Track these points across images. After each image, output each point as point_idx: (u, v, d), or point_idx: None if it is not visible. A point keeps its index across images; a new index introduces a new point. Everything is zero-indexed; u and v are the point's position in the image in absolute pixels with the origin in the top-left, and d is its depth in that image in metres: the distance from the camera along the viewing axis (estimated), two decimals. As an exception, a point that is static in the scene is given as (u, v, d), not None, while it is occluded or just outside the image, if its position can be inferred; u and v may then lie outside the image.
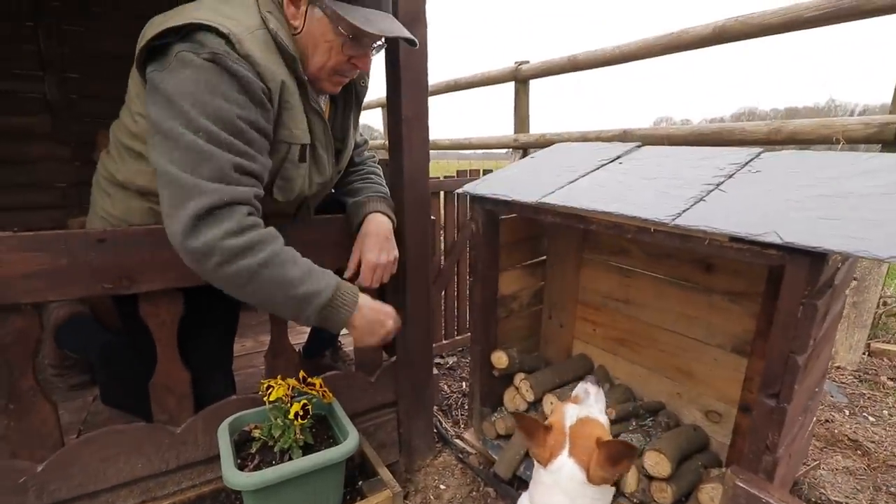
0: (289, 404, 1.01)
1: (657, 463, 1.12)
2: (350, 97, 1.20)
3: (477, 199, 1.31)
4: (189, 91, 0.83)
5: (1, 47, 1.99)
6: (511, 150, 5.11)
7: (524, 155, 4.92)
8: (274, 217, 1.02)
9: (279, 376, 1.13)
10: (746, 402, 1.15)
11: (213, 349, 1.25)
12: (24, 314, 0.93)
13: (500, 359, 1.47)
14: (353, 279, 1.19)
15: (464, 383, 2.20)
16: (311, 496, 0.98)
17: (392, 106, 1.26)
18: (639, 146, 1.38)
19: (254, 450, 1.03)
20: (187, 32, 0.85)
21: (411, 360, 1.45)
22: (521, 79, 4.53)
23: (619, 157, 1.28)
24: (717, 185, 0.94)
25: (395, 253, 1.21)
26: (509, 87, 4.72)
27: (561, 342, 1.72)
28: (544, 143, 4.68)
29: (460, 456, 1.59)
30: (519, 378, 1.49)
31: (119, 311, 1.26)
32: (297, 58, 0.95)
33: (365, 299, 1.04)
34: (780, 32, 2.25)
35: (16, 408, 0.96)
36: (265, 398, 1.03)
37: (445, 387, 2.15)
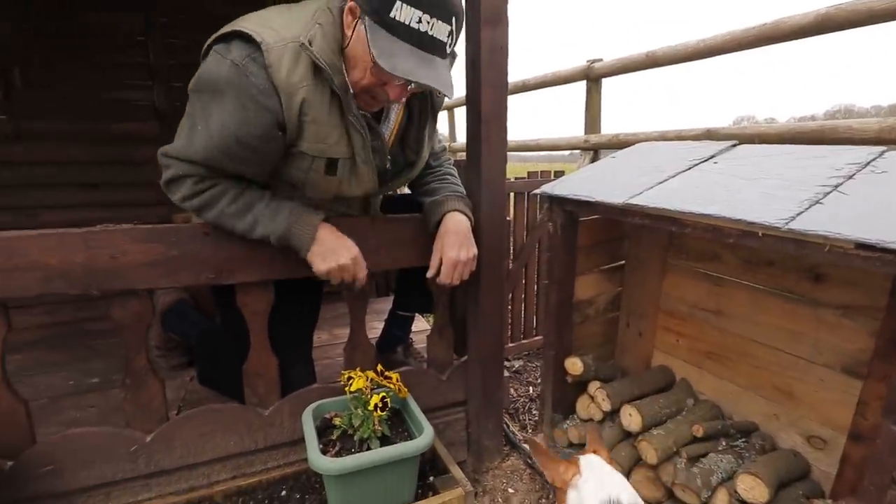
0: (368, 396, 1.04)
1: (752, 488, 1.03)
2: (426, 108, 1.20)
3: (556, 200, 1.28)
4: (204, 85, 0.94)
5: (116, 60, 2.23)
6: (581, 151, 4.95)
7: (595, 157, 4.74)
8: (336, 209, 1.17)
9: (358, 368, 1.18)
10: (859, 428, 1.03)
11: (297, 339, 1.32)
12: (141, 299, 1.04)
13: (574, 365, 1.42)
14: (434, 277, 1.20)
15: (531, 388, 2.17)
16: (388, 486, 1.01)
17: (472, 105, 1.27)
18: (734, 145, 1.28)
19: (334, 437, 1.08)
20: (228, 36, 0.93)
21: (482, 359, 1.44)
22: (593, 77, 4.38)
23: (713, 157, 1.20)
24: (836, 186, 0.85)
25: (475, 250, 1.22)
26: (580, 87, 4.57)
27: (639, 352, 1.63)
28: (617, 143, 4.48)
29: (529, 461, 1.56)
30: (594, 387, 1.44)
31: (216, 300, 1.37)
32: (336, 71, 0.96)
33: (327, 232, 1.06)
34: (889, 20, 2.00)
35: (131, 383, 1.07)
36: (346, 388, 1.07)
37: (512, 390, 2.12)
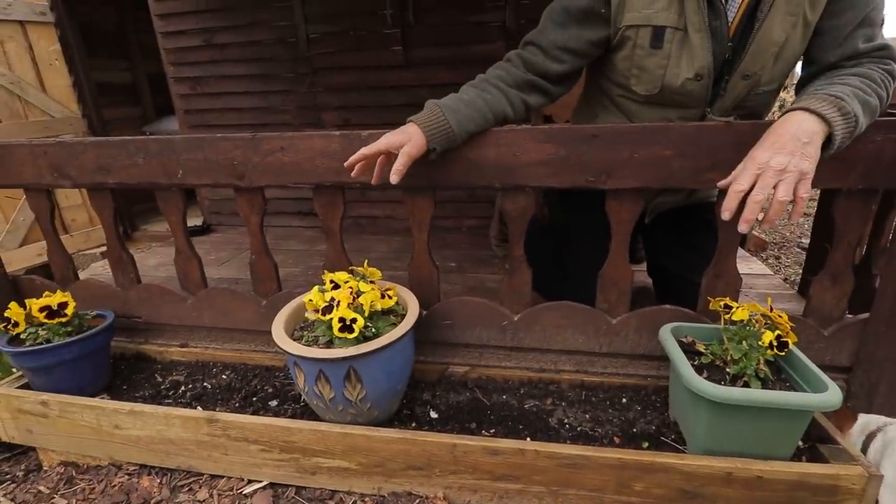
0: (759, 330, 0.91)
1: None
2: None
3: None
4: None
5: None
6: None
7: None
8: (669, 115, 1.11)
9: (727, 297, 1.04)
10: None
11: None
12: (527, 195, 1.14)
13: None
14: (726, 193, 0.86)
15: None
16: (769, 434, 0.89)
17: None
18: None
19: (697, 362, 1.00)
20: None
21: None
22: None
23: None
24: None
25: (808, 166, 0.81)
26: None
27: None
28: None
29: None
30: None
31: (562, 205, 1.43)
32: None
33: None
34: None
35: (509, 268, 1.23)
36: (725, 316, 0.96)
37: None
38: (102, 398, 1.28)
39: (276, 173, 1.22)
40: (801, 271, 2.28)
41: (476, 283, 1.93)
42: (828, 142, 0.84)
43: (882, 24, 0.98)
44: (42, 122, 2.75)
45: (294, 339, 1.04)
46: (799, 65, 1.11)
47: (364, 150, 1.01)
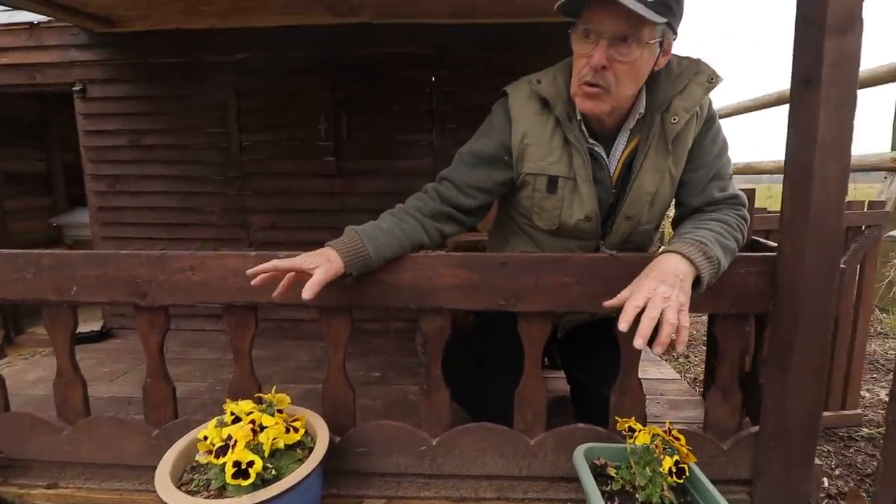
0: (660, 455, 0.94)
1: None
2: (649, 135, 1.09)
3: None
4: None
5: (407, 109, 2.68)
6: (887, 173, 3.85)
7: (911, 179, 3.61)
8: (569, 245, 1.23)
9: (633, 418, 1.09)
10: None
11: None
12: (443, 316, 1.17)
13: (941, 474, 1.03)
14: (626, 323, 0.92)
15: (826, 480, 1.69)
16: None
17: (799, 129, 1.06)
18: None
19: (608, 488, 1.01)
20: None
21: (786, 434, 1.17)
22: None
23: None
24: None
25: (684, 299, 0.91)
26: (883, 92, 3.66)
27: None
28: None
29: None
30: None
31: (480, 324, 1.48)
32: (560, 99, 1.11)
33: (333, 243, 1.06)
34: None
35: (427, 388, 1.22)
36: (629, 439, 1.00)
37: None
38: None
39: (184, 292, 1.16)
40: (705, 373, 2.44)
41: (399, 395, 1.87)
42: (697, 282, 0.96)
43: (730, 177, 1.19)
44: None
45: (183, 483, 0.93)
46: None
47: (277, 263, 1.01)
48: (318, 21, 2.53)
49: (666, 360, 2.84)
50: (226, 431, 0.92)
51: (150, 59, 2.69)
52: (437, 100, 2.66)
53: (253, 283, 1.02)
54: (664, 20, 0.95)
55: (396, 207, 1.18)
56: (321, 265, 0.99)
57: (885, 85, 3.76)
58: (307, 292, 0.96)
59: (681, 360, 3.31)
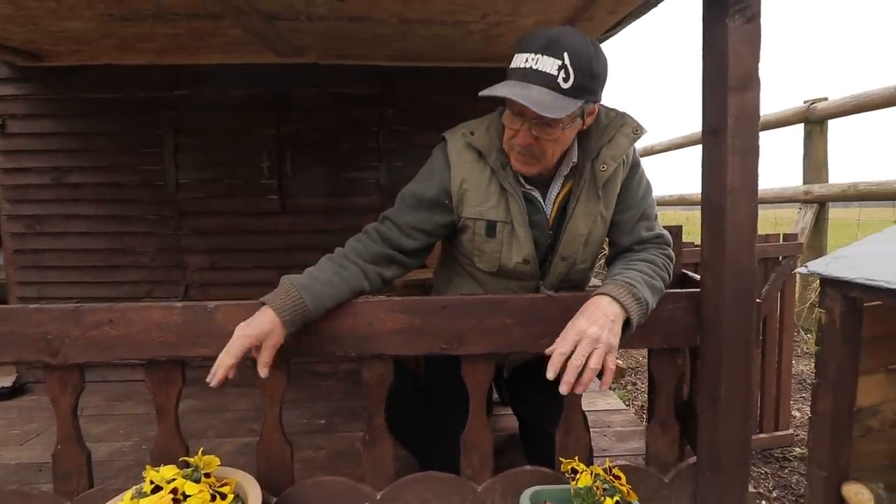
0: (601, 497, 0.94)
1: None
2: (581, 181, 1.16)
3: (833, 284, 1.05)
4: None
5: (354, 147, 2.69)
6: (800, 205, 4.24)
7: (821, 210, 3.99)
8: (511, 285, 1.24)
9: (576, 458, 1.09)
10: None
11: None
12: (385, 363, 1.15)
13: (858, 496, 1.09)
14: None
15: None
16: None
17: (711, 176, 1.15)
18: None
19: (555, 534, 1.00)
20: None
21: (719, 465, 1.21)
22: (815, 119, 3.87)
23: None
24: None
25: (613, 340, 0.96)
26: (793, 132, 4.13)
27: (957, 488, 1.18)
28: (855, 195, 3.73)
29: None
30: (891, 530, 1.07)
31: (428, 367, 1.46)
32: (493, 150, 1.14)
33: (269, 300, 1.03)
34: None
35: (369, 439, 1.17)
36: (573, 481, 1.00)
37: None
38: None
39: (101, 348, 1.07)
40: (650, 401, 2.52)
41: (345, 444, 1.79)
42: (627, 322, 1.00)
43: (656, 217, 1.27)
44: None
45: (91, 567, 0.83)
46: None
47: (225, 360, 0.97)
48: (262, 60, 2.52)
49: (613, 390, 2.91)
50: (143, 503, 0.83)
51: (79, 95, 2.56)
52: (383, 138, 2.69)
53: (213, 384, 0.99)
54: (580, 102, 1.00)
55: (336, 252, 1.16)
56: (264, 338, 0.99)
57: (793, 126, 4.18)
58: (263, 370, 1.00)
59: (628, 387, 3.40)
